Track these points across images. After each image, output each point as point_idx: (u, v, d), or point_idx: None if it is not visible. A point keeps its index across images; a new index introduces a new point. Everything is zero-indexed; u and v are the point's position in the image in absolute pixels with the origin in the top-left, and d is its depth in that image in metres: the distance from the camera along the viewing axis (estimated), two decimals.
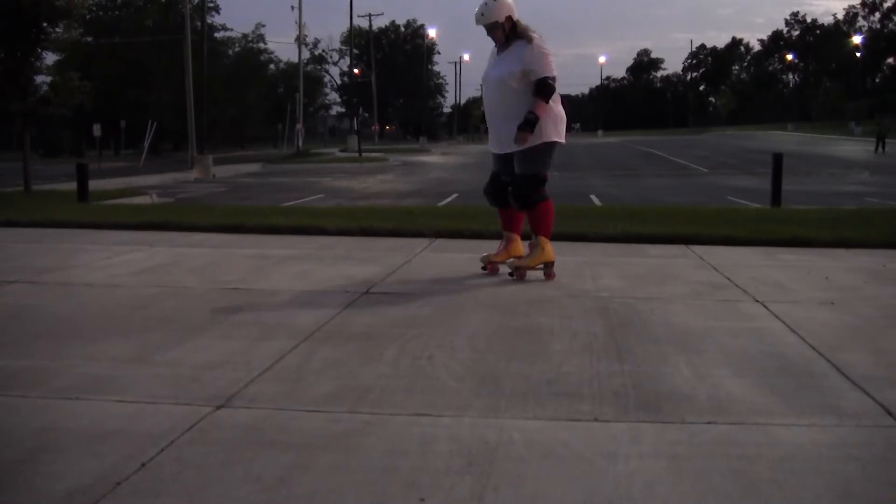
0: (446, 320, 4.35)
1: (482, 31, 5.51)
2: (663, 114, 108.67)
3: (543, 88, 5.30)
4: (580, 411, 2.99)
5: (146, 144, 36.98)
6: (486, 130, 5.89)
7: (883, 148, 36.48)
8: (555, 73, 5.37)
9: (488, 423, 2.87)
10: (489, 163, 5.82)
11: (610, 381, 3.32)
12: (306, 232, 7.95)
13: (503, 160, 5.60)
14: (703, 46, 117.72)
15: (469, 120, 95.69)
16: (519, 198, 5.51)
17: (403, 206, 13.15)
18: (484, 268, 5.73)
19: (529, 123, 5.26)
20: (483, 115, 5.80)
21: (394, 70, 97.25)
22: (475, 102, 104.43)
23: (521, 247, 5.72)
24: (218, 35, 60.40)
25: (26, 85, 14.87)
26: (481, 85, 5.78)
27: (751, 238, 7.25)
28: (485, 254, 5.83)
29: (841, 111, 75.96)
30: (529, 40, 5.36)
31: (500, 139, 5.53)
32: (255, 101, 64.81)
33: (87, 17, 49.36)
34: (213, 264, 6.17)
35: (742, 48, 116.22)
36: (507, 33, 5.43)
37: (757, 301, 4.84)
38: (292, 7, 52.35)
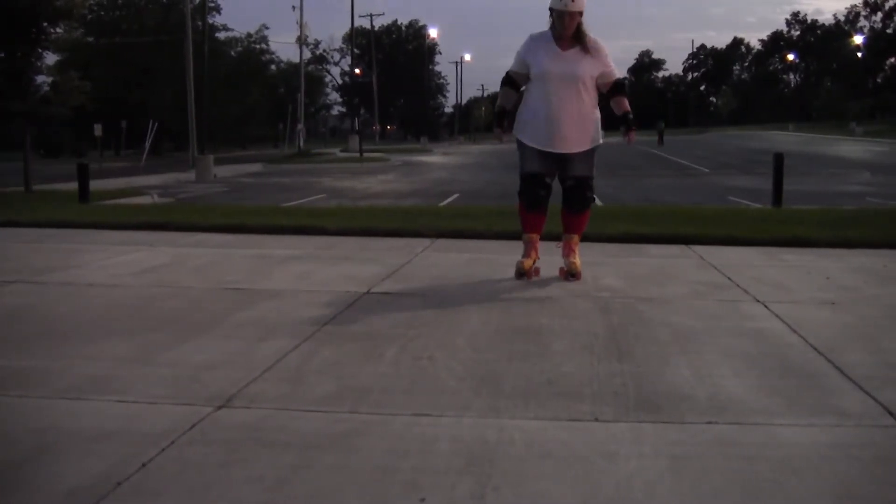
0: (447, 320, 4.35)
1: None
2: (664, 114, 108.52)
3: (624, 87, 5.42)
4: (580, 411, 2.99)
5: (147, 144, 36.93)
6: (509, 127, 5.54)
7: (662, 142, 50.70)
8: None
9: (489, 423, 2.87)
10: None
11: (610, 381, 3.32)
12: (307, 232, 7.94)
13: (552, 161, 5.34)
14: (703, 46, 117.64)
15: (470, 120, 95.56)
16: (585, 199, 5.46)
17: (404, 206, 13.16)
18: (521, 275, 5.39)
19: (632, 122, 5.39)
20: (502, 111, 5.51)
21: (395, 70, 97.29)
22: (476, 102, 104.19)
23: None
24: (220, 35, 60.40)
25: (27, 85, 14.92)
26: (524, 75, 5.35)
27: (752, 238, 7.25)
28: (520, 265, 5.44)
29: (842, 111, 75.90)
30: (593, 42, 5.22)
31: (565, 139, 5.26)
32: (257, 102, 64.79)
33: (88, 17, 49.51)
34: (213, 264, 6.17)
35: (743, 48, 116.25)
36: (576, 29, 5.20)
37: (758, 301, 4.83)
38: (293, 7, 52.13)
